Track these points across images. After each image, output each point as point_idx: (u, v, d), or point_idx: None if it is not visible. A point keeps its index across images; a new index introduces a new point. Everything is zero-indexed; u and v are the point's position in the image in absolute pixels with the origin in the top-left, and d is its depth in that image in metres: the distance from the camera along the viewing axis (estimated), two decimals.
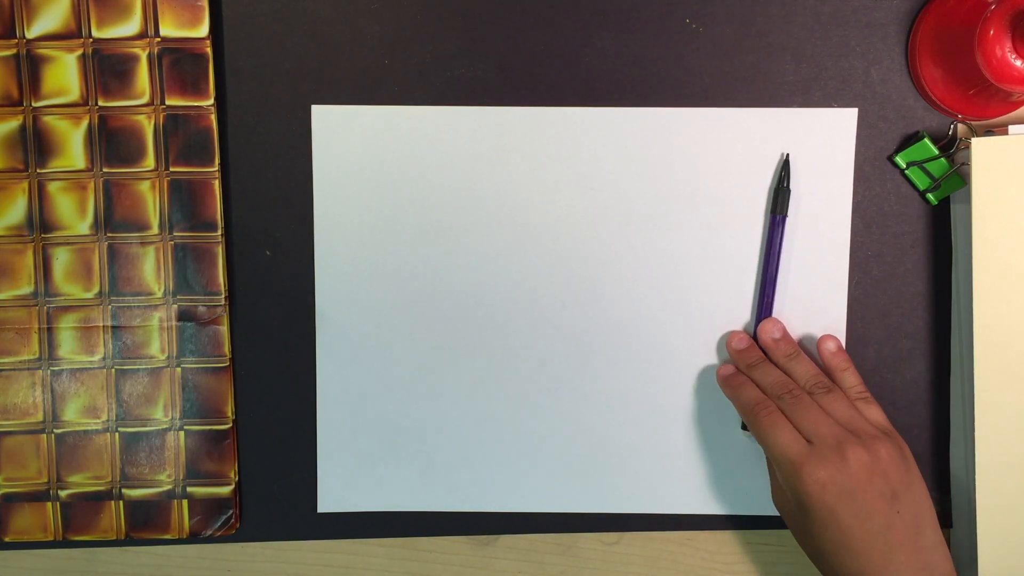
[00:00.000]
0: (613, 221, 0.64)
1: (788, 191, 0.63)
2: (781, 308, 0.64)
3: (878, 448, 0.57)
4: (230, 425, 0.64)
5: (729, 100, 0.63)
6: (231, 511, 0.65)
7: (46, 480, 0.64)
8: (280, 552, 0.66)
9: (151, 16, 0.62)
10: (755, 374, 0.62)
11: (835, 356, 0.62)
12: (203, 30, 0.62)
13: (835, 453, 0.56)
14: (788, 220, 0.63)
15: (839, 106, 0.63)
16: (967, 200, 0.60)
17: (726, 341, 0.64)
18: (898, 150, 0.63)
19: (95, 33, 0.62)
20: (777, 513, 0.64)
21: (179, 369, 0.64)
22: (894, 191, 0.64)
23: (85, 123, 0.63)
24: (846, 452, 0.56)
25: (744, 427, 0.64)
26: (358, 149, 0.64)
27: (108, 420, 0.64)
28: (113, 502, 0.64)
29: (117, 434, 0.64)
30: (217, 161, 0.63)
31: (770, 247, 0.63)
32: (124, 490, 0.64)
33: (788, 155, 0.63)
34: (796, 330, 0.64)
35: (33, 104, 0.62)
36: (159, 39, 0.62)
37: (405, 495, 0.65)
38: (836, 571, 0.57)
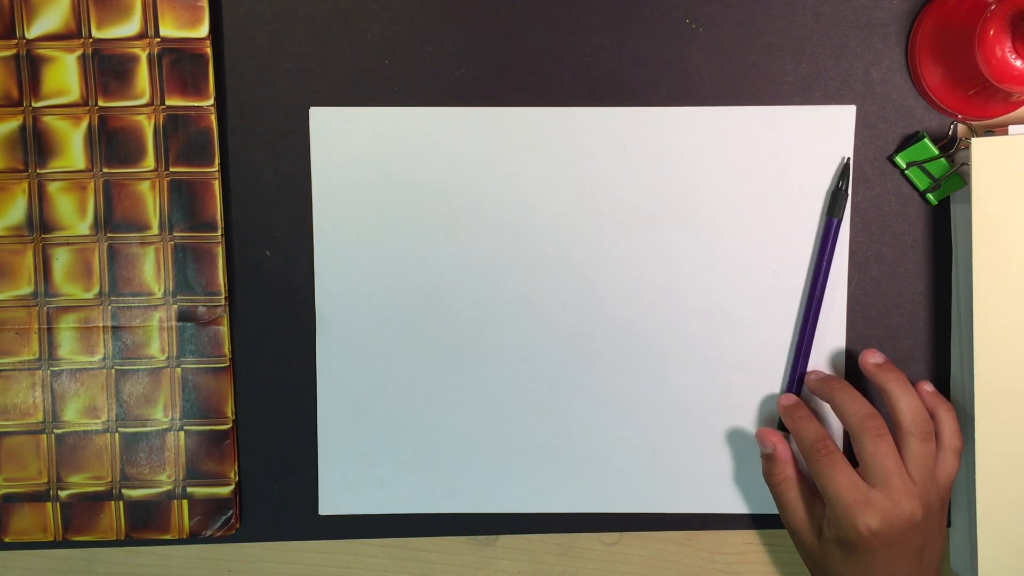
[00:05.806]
0: (613, 221, 0.64)
1: (846, 194, 0.63)
2: None
3: (929, 506, 0.59)
4: (230, 425, 0.64)
5: (729, 100, 0.63)
6: (231, 511, 0.65)
7: (46, 480, 0.64)
8: (280, 552, 0.66)
9: (151, 16, 0.62)
10: (839, 398, 0.61)
11: (934, 396, 0.62)
12: (203, 30, 0.62)
13: (893, 508, 0.57)
14: (788, 220, 0.63)
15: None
16: (967, 200, 0.60)
17: (805, 379, 0.64)
18: (898, 150, 0.63)
19: (95, 33, 0.62)
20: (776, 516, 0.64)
21: (179, 369, 0.64)
22: (894, 191, 0.64)
23: (85, 123, 0.63)
24: (903, 508, 0.57)
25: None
26: (357, 151, 0.64)
27: (108, 420, 0.64)
28: (113, 502, 0.64)
29: (117, 434, 0.64)
30: (217, 161, 0.63)
31: (823, 250, 0.63)
32: (124, 490, 0.64)
33: (849, 158, 0.63)
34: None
35: (33, 104, 0.62)
36: (159, 39, 0.62)
37: (406, 497, 0.65)
38: None
